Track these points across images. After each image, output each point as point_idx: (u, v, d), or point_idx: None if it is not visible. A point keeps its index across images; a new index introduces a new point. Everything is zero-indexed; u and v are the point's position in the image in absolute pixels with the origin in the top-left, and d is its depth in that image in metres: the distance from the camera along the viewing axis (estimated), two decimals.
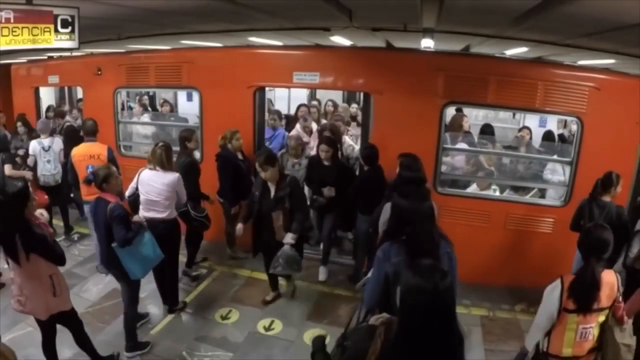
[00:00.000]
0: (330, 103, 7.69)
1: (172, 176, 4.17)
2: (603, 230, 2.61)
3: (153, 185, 4.11)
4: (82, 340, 3.54)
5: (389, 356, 1.60)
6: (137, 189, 4.22)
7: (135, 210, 4.19)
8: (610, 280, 2.60)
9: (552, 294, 2.64)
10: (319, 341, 2.03)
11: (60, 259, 3.15)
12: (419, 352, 1.54)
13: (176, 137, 6.68)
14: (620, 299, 2.66)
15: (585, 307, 2.57)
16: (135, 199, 4.23)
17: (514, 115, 7.95)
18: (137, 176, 4.25)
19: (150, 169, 4.18)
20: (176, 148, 4.80)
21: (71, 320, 3.45)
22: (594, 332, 2.66)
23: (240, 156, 5.15)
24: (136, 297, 3.88)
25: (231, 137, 5.04)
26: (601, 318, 2.65)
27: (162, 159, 4.13)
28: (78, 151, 5.02)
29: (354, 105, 7.85)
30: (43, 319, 3.26)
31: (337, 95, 9.34)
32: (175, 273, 4.46)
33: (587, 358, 2.72)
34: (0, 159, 5.51)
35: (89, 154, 4.96)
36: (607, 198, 3.97)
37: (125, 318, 3.86)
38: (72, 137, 5.92)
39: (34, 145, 5.72)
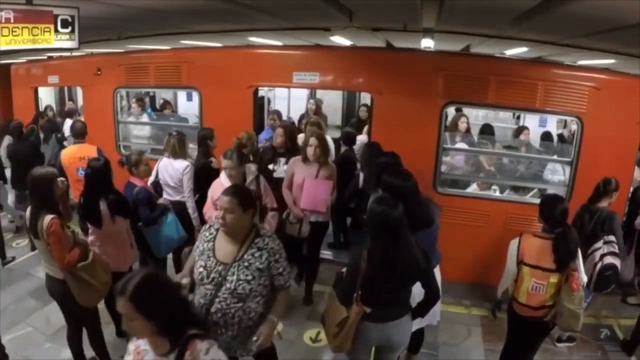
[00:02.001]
0: (312, 102, 7.56)
1: (181, 164, 4.48)
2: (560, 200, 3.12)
3: (168, 172, 4.52)
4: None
5: (371, 256, 2.60)
6: (157, 176, 4.60)
7: (159, 195, 4.50)
8: None
9: (513, 246, 3.12)
10: (338, 275, 3.02)
11: (132, 215, 3.79)
12: (380, 251, 2.59)
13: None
14: (579, 268, 3.01)
15: (564, 266, 2.96)
16: (156, 186, 4.55)
17: (514, 115, 7.93)
18: (156, 165, 4.61)
19: (167, 157, 4.59)
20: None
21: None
22: (547, 289, 3.02)
23: (251, 158, 5.11)
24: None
25: (249, 139, 4.84)
26: (553, 279, 3.00)
27: (174, 147, 4.51)
28: (67, 153, 5.04)
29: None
30: (125, 271, 3.50)
31: (337, 95, 9.35)
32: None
33: (538, 311, 3.08)
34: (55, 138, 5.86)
35: (78, 156, 4.98)
36: (604, 204, 3.91)
37: None
38: None
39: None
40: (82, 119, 6.30)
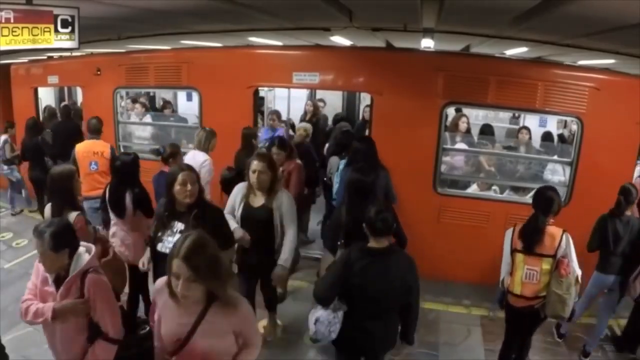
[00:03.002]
0: (309, 103, 7.57)
1: (202, 157, 4.61)
2: (549, 190, 3.31)
3: (190, 163, 4.46)
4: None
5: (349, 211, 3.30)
6: None
7: None
8: (553, 232, 3.18)
9: (507, 236, 3.33)
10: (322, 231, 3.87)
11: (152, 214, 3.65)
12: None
13: (175, 137, 6.71)
14: (567, 256, 3.15)
15: (529, 247, 3.18)
16: None
17: (514, 115, 7.92)
18: (185, 156, 4.73)
19: (192, 149, 4.82)
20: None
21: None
22: (540, 277, 3.17)
23: None
24: None
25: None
26: (545, 265, 3.16)
27: (200, 140, 4.71)
28: (81, 147, 5.17)
29: None
30: None
31: (337, 96, 9.35)
32: None
33: (533, 301, 3.21)
34: None
35: (92, 151, 5.13)
36: (628, 212, 3.85)
37: None
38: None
39: None
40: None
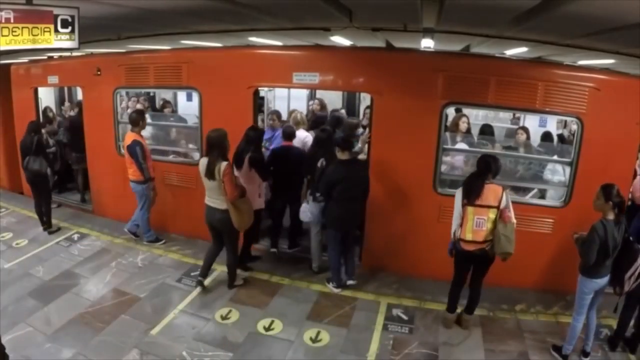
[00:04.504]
0: (317, 102, 7.57)
1: (304, 132, 5.90)
2: (488, 157, 4.08)
3: (298, 138, 5.73)
4: (254, 233, 5.39)
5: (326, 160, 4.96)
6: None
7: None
8: (495, 189, 3.97)
9: (458, 194, 4.05)
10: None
11: (267, 177, 5.20)
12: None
13: (175, 138, 6.70)
14: (509, 208, 3.96)
15: (470, 200, 3.94)
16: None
17: (514, 115, 7.91)
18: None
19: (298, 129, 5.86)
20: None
21: (260, 216, 5.31)
22: (487, 225, 3.94)
23: None
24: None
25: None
26: (491, 214, 3.93)
27: (296, 119, 6.01)
28: (124, 138, 5.82)
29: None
30: (255, 209, 4.91)
31: (337, 96, 9.35)
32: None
33: (482, 245, 3.97)
34: None
35: (125, 141, 5.73)
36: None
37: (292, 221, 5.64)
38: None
39: None
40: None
